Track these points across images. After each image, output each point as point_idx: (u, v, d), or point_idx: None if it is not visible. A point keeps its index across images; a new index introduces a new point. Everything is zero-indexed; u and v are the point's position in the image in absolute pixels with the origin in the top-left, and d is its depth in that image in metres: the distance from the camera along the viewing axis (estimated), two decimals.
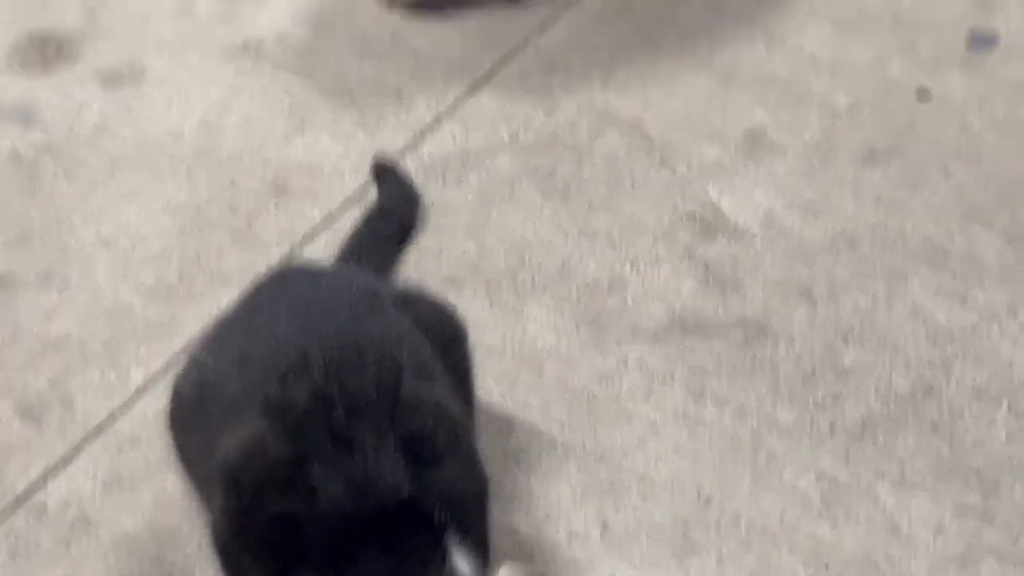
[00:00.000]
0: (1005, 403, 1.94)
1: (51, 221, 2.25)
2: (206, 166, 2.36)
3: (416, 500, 1.47)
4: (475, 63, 2.57)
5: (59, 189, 2.32)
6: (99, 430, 1.94)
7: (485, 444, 1.73)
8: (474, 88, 2.52)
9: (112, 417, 1.95)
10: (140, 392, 1.98)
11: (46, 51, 2.61)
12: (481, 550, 1.53)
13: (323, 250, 2.15)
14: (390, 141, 2.41)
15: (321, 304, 1.66)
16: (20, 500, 1.86)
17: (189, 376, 1.68)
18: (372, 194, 2.22)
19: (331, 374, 1.51)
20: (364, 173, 2.29)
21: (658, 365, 1.99)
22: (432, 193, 2.27)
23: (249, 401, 1.54)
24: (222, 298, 2.05)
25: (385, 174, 2.24)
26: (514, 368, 1.99)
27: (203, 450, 1.58)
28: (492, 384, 1.95)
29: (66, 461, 1.91)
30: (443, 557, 1.48)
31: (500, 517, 1.74)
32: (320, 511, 1.45)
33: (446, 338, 1.72)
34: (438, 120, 2.46)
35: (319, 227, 2.23)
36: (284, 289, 1.74)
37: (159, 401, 1.79)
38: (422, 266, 2.14)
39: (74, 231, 2.23)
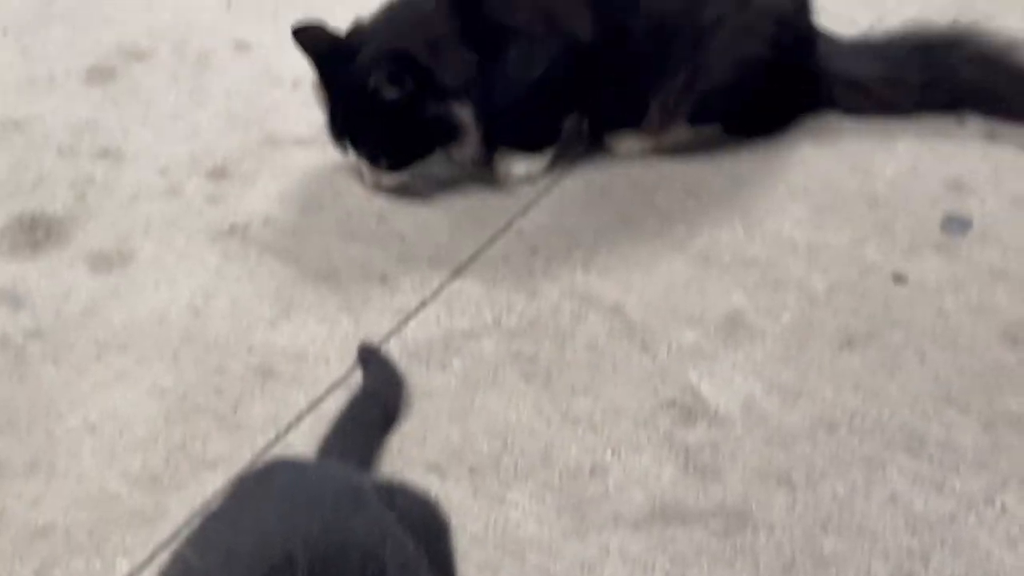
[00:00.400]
0: None
1: (38, 407, 2.27)
2: (192, 351, 2.39)
3: None
4: (460, 246, 2.62)
5: (46, 374, 2.34)
6: None
7: None
8: (459, 271, 2.56)
9: None
10: None
11: (35, 234, 2.65)
12: None
13: (308, 436, 2.17)
14: (375, 324, 2.44)
15: (306, 501, 1.68)
16: None
17: (172, 574, 1.69)
18: (357, 379, 2.25)
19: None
20: (349, 358, 2.32)
21: (640, 554, 2.01)
22: (416, 377, 2.30)
23: None
24: (207, 485, 2.06)
25: (370, 359, 2.27)
26: (497, 558, 2.00)
27: None
28: (474, 574, 1.97)
29: None
30: None
31: None
32: None
33: (429, 533, 1.74)
34: (423, 304, 2.49)
35: (304, 412, 2.25)
36: (269, 485, 1.75)
37: None
38: (405, 452, 2.16)
39: (61, 417, 2.25)
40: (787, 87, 2.80)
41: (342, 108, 2.62)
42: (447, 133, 2.64)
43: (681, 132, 2.80)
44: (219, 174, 2.78)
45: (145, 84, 2.99)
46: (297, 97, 2.94)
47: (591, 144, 2.83)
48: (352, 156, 2.67)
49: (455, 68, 2.59)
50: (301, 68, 2.73)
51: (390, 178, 2.68)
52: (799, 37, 2.78)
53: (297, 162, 2.80)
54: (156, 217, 2.69)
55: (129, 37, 3.12)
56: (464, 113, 2.61)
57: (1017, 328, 2.41)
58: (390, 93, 2.56)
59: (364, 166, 2.67)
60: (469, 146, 2.66)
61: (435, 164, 2.70)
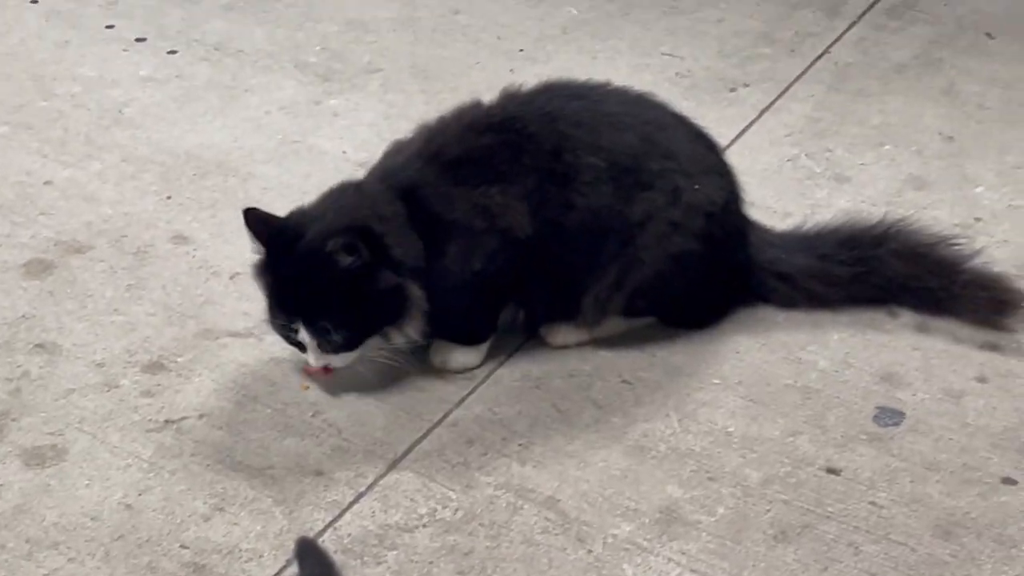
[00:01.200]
0: None
1: None
2: (124, 548, 2.37)
3: None
4: (395, 439, 2.62)
5: None
6: None
7: None
8: (394, 464, 2.56)
9: None
10: None
11: None
12: None
13: None
14: (310, 519, 2.43)
15: None
16: None
17: None
18: (291, 574, 2.24)
19: None
20: (283, 553, 2.31)
21: None
22: (351, 572, 2.29)
23: None
24: None
25: (305, 555, 2.26)
26: None
27: None
28: None
29: None
30: None
31: None
32: None
33: None
34: (358, 497, 2.49)
35: None
36: None
37: None
38: None
39: None
40: (719, 280, 2.83)
41: (291, 288, 2.61)
42: (399, 307, 2.63)
43: (615, 324, 2.82)
44: (155, 368, 2.78)
45: (82, 278, 3.00)
46: (234, 290, 2.95)
47: (527, 335, 2.85)
48: (300, 337, 2.64)
49: (405, 247, 2.61)
50: (239, 261, 2.76)
51: (339, 359, 2.66)
52: (730, 230, 2.82)
53: (234, 355, 2.81)
54: (91, 411, 2.68)
55: (67, 231, 3.13)
56: (415, 289, 2.62)
57: (950, 521, 2.43)
58: (345, 260, 2.56)
59: (311, 348, 2.65)
60: (415, 325, 2.66)
61: (372, 354, 2.70)
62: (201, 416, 2.67)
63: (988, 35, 3.85)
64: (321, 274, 2.58)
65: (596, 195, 2.68)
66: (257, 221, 2.63)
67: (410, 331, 2.67)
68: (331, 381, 2.72)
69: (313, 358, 2.65)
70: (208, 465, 2.56)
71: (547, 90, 2.81)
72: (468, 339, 2.78)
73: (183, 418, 2.67)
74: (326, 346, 2.63)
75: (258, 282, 2.68)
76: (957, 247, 2.89)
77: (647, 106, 2.83)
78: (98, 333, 2.86)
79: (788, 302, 2.88)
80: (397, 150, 2.78)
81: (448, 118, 2.78)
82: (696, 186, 2.73)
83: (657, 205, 2.70)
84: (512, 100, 2.78)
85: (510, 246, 2.67)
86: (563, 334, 2.82)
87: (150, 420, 2.66)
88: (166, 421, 2.66)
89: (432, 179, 2.68)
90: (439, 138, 2.74)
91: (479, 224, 2.66)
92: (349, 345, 2.64)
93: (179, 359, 2.80)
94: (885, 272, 2.86)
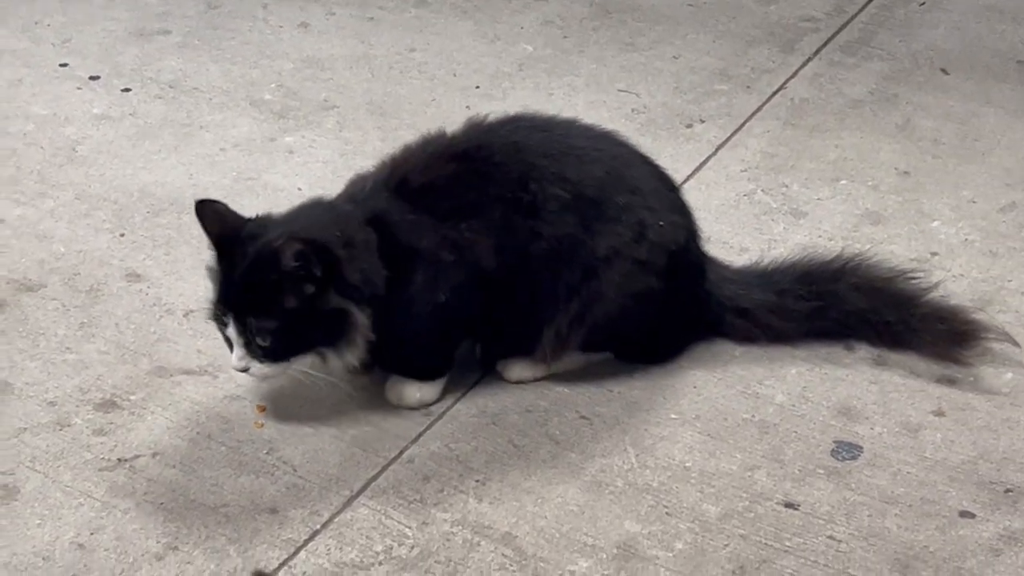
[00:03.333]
0: None
1: None
2: None
3: None
4: (351, 475, 2.60)
5: None
6: None
7: None
8: (349, 501, 2.54)
9: None
10: None
11: None
12: None
13: None
14: (264, 557, 2.41)
15: None
16: None
17: None
18: None
19: None
20: None
21: None
22: None
23: None
24: None
25: None
26: None
27: None
28: None
29: None
30: None
31: None
32: None
33: None
34: (313, 535, 2.47)
35: None
36: None
37: None
38: None
39: None
40: (678, 316, 2.83)
41: (237, 284, 2.56)
42: (338, 330, 2.59)
43: (573, 359, 2.81)
44: (108, 406, 2.75)
45: (34, 316, 2.97)
46: (188, 327, 2.93)
47: (484, 371, 2.83)
48: (228, 332, 2.59)
49: (364, 273, 2.59)
50: (193, 298, 2.74)
51: (262, 368, 2.60)
52: (690, 267, 2.81)
53: (187, 393, 2.78)
54: (43, 450, 2.65)
55: (19, 269, 3.10)
56: (361, 317, 2.59)
57: (909, 555, 2.42)
58: (290, 264, 2.51)
59: (236, 347, 2.59)
60: (353, 352, 2.63)
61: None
62: (154, 454, 2.65)
63: (943, 71, 3.87)
64: (264, 273, 2.54)
65: (561, 225, 2.68)
66: (210, 213, 2.60)
67: (349, 357, 2.63)
68: (286, 416, 2.70)
69: (236, 357, 2.60)
70: (161, 504, 2.53)
71: (512, 121, 2.81)
72: (425, 373, 2.76)
73: (136, 456, 2.64)
74: (251, 349, 2.58)
75: (210, 276, 2.64)
76: (915, 281, 2.89)
77: (612, 142, 2.83)
78: (50, 371, 2.84)
79: (746, 337, 2.88)
80: (361, 180, 2.76)
81: (413, 147, 2.78)
82: (661, 223, 2.72)
83: (623, 240, 2.69)
84: (477, 129, 2.78)
85: (476, 279, 2.66)
86: (520, 369, 2.81)
87: (103, 459, 2.63)
88: (119, 460, 2.63)
89: (398, 208, 2.66)
90: (404, 167, 2.73)
91: (446, 256, 2.64)
92: (274, 355, 2.59)
93: (132, 397, 2.78)
94: (843, 306, 2.86)
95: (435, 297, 2.65)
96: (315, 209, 2.70)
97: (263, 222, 2.63)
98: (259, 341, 2.57)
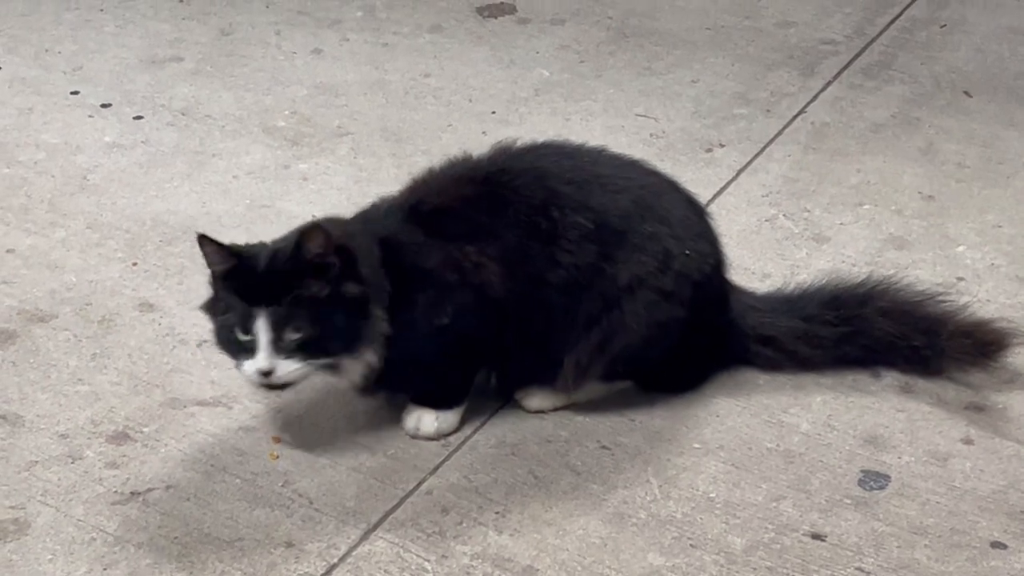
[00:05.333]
0: None
1: None
2: None
3: None
4: (368, 508, 2.55)
5: None
6: None
7: None
8: (367, 534, 2.49)
9: None
10: None
11: None
12: None
13: None
14: None
15: None
16: None
17: None
18: None
19: None
20: None
21: None
22: None
23: None
24: None
25: None
26: None
27: None
28: None
29: None
30: None
31: None
32: None
33: None
34: (330, 569, 2.42)
35: None
36: None
37: None
38: None
39: None
40: (701, 345, 2.78)
41: (264, 278, 2.51)
42: (357, 324, 2.53)
43: (594, 388, 2.76)
44: (120, 438, 2.71)
45: (45, 347, 2.93)
46: (202, 358, 2.89)
47: (502, 400, 2.79)
48: (256, 330, 2.50)
49: (375, 281, 2.57)
50: (206, 328, 2.69)
51: (286, 368, 2.51)
52: (715, 297, 2.77)
53: (201, 424, 2.74)
54: (54, 484, 2.61)
55: (30, 299, 3.06)
56: (377, 310, 2.55)
57: None
58: (314, 251, 2.49)
59: (264, 345, 2.50)
60: (374, 351, 2.57)
61: (342, 421, 2.63)
62: (168, 487, 2.60)
63: (966, 93, 3.82)
64: (293, 261, 2.51)
65: (581, 254, 2.64)
66: (214, 243, 2.56)
67: (368, 357, 2.58)
68: (302, 447, 2.65)
69: (262, 358, 2.51)
70: (175, 538, 2.49)
71: (540, 148, 2.79)
72: (441, 401, 2.72)
73: (149, 490, 2.60)
74: (279, 346, 2.51)
75: (216, 286, 2.59)
76: (944, 304, 2.84)
77: (641, 171, 2.81)
78: (62, 403, 2.79)
79: (772, 365, 2.84)
80: (381, 202, 2.73)
81: (436, 170, 2.76)
82: (687, 252, 2.68)
83: (648, 270, 2.65)
84: (503, 154, 2.76)
85: (483, 304, 2.62)
86: (540, 399, 2.76)
87: (115, 492, 2.59)
88: (132, 493, 2.59)
89: (408, 230, 2.64)
90: (422, 189, 2.71)
91: (451, 277, 2.61)
92: (304, 348, 2.51)
93: (145, 429, 2.73)
94: (871, 332, 2.81)
95: (439, 319, 2.62)
96: (327, 222, 2.66)
97: (263, 243, 2.61)
98: (289, 334, 2.51)
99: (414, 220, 2.65)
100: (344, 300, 2.53)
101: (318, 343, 2.53)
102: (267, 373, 2.52)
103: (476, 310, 2.63)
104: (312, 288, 2.51)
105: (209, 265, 2.58)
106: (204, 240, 2.54)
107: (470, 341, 2.67)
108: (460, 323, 2.62)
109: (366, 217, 2.70)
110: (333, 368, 2.57)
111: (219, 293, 2.58)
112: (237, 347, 2.54)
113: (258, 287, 2.53)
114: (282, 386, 2.59)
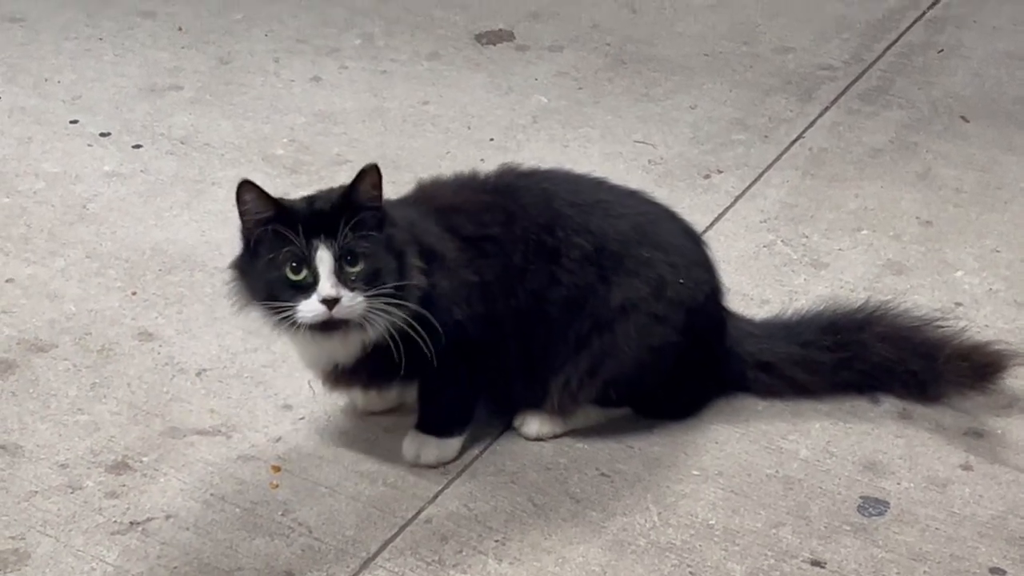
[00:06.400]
0: None
1: None
2: None
3: None
4: (367, 537, 2.55)
5: None
6: None
7: None
8: (366, 563, 2.50)
9: None
10: None
11: None
12: None
13: None
14: None
15: None
16: None
17: None
18: None
19: None
20: None
21: None
22: None
23: None
24: None
25: None
26: None
27: None
28: None
29: None
30: None
31: None
32: None
33: None
34: None
35: None
36: None
37: None
38: None
39: None
40: (698, 371, 2.78)
41: (327, 212, 2.53)
42: (400, 266, 2.54)
43: (591, 415, 2.77)
44: (120, 468, 2.71)
45: (45, 377, 2.93)
46: (201, 387, 2.89)
47: (500, 425, 2.79)
48: (318, 259, 2.49)
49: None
50: (206, 357, 2.70)
51: (349, 301, 2.48)
52: (710, 323, 2.77)
53: (201, 454, 2.74)
54: (54, 514, 2.61)
55: (29, 329, 3.06)
56: (415, 261, 2.57)
57: None
58: (369, 193, 2.54)
59: (326, 273, 2.49)
60: (412, 295, 2.55)
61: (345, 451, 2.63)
62: (168, 517, 2.60)
63: (963, 118, 3.83)
64: (348, 199, 2.54)
65: (581, 274, 2.66)
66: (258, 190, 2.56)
67: (404, 310, 2.54)
68: (301, 476, 2.65)
69: (329, 284, 2.48)
70: (175, 568, 2.49)
71: (544, 171, 2.84)
72: (444, 428, 2.72)
73: (149, 519, 2.59)
74: (342, 276, 2.50)
75: (253, 232, 2.57)
76: (942, 328, 2.84)
77: (641, 200, 2.84)
78: (61, 433, 2.79)
79: (771, 391, 2.84)
80: (386, 201, 2.73)
81: (444, 179, 2.80)
82: (681, 280, 2.69)
83: (640, 294, 2.66)
84: (509, 173, 2.79)
85: (491, 310, 2.64)
86: (537, 425, 2.77)
87: (115, 522, 2.59)
88: (132, 523, 2.59)
89: (423, 217, 2.67)
90: (432, 189, 2.76)
91: (469, 276, 2.63)
92: (367, 278, 2.51)
93: (145, 459, 2.73)
94: (870, 357, 2.82)
95: (454, 310, 2.62)
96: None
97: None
98: (349, 266, 2.50)
99: (428, 212, 2.68)
100: (392, 241, 2.55)
101: (376, 275, 2.52)
102: (333, 301, 2.49)
103: (486, 317, 2.65)
104: (368, 223, 2.53)
105: (248, 215, 2.57)
106: (247, 186, 2.54)
107: (479, 346, 2.67)
108: (471, 326, 2.63)
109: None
110: (369, 321, 2.54)
111: (263, 240, 2.56)
112: (292, 289, 2.51)
113: (315, 221, 2.53)
114: (336, 326, 2.54)
